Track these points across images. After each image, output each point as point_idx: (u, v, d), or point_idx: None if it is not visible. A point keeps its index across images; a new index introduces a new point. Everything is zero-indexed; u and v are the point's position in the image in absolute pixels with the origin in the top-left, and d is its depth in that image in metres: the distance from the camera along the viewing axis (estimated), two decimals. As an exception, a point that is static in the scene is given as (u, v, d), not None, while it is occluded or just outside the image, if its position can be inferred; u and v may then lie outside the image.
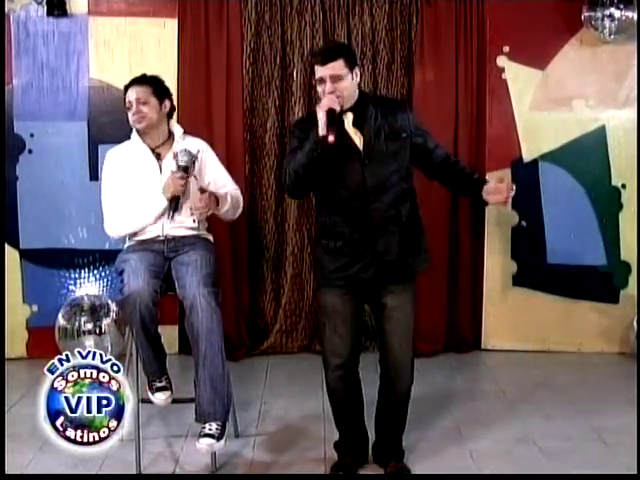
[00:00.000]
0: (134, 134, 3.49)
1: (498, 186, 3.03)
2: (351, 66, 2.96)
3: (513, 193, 3.03)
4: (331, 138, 2.80)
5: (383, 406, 3.20)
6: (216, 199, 3.36)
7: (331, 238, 3.02)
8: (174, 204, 3.34)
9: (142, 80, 3.49)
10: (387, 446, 3.22)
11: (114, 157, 3.51)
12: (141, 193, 3.39)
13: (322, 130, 2.83)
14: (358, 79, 3.01)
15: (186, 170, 3.32)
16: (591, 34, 4.59)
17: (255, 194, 4.81)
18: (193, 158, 3.33)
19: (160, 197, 3.34)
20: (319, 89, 2.97)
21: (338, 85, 2.91)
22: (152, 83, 3.48)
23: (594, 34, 4.58)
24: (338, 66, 2.92)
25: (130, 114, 3.42)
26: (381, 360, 3.14)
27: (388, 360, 3.09)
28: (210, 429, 3.10)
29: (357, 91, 3.03)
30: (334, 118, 2.84)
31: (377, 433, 3.26)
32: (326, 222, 3.04)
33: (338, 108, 2.89)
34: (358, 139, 2.97)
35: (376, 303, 3.09)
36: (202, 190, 3.34)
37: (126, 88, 3.48)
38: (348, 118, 2.98)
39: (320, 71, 2.94)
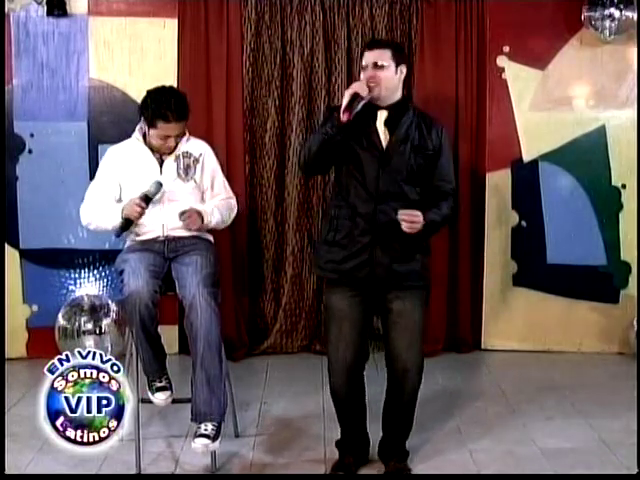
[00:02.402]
0: (137, 134, 3.46)
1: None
2: (397, 61, 2.98)
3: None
4: (344, 117, 2.82)
5: (389, 407, 3.20)
6: (201, 216, 3.38)
7: (332, 229, 3.03)
8: (125, 225, 3.35)
9: (183, 117, 3.32)
10: (391, 445, 3.22)
11: (115, 154, 3.50)
12: (138, 192, 3.38)
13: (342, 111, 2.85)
14: (402, 77, 3.01)
15: (148, 200, 3.32)
16: (591, 34, 4.59)
17: (255, 194, 4.80)
18: (160, 188, 3.33)
19: (119, 211, 3.35)
20: (362, 76, 2.98)
21: (379, 73, 2.93)
22: (187, 116, 3.37)
23: (594, 34, 4.57)
24: (383, 54, 2.96)
25: (162, 142, 3.34)
26: (387, 364, 3.12)
27: (395, 365, 3.08)
28: (206, 429, 3.10)
29: (400, 92, 3.03)
30: (354, 101, 2.85)
31: (384, 431, 3.25)
32: (333, 213, 3.05)
33: (365, 95, 2.87)
34: (385, 139, 2.97)
35: (383, 308, 3.08)
36: (190, 209, 3.36)
37: (164, 119, 3.27)
38: (382, 116, 2.97)
39: (365, 57, 2.98)
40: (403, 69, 3.01)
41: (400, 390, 3.11)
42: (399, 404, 3.15)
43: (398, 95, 3.02)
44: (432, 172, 3.05)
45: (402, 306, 3.03)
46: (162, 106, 3.28)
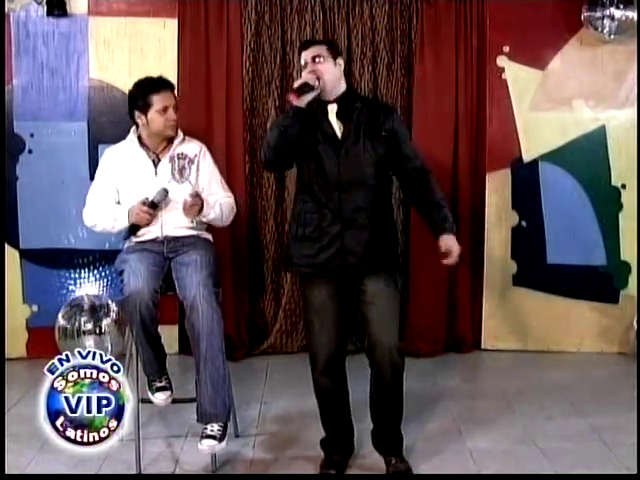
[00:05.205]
0: (132, 136, 3.48)
1: (445, 253, 3.08)
2: (334, 54, 3.07)
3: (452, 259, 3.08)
4: (292, 98, 2.91)
5: (375, 396, 3.18)
6: (202, 204, 3.36)
7: (300, 225, 3.06)
8: (132, 229, 3.38)
9: (171, 86, 3.48)
10: (384, 436, 3.21)
11: (112, 155, 3.52)
12: (133, 194, 3.40)
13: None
14: (342, 68, 3.09)
15: (154, 207, 3.35)
16: (591, 34, 4.59)
17: (255, 194, 4.80)
18: (166, 195, 3.36)
19: (125, 215, 3.37)
20: (303, 75, 3.02)
21: (319, 66, 3.01)
22: (173, 85, 3.52)
23: (594, 34, 4.57)
24: (320, 49, 3.05)
25: (164, 118, 3.39)
26: (368, 349, 3.11)
27: (375, 348, 3.06)
28: (212, 430, 3.11)
29: (344, 84, 3.10)
30: (303, 88, 2.92)
31: (375, 422, 3.23)
32: (298, 209, 3.09)
33: (314, 84, 2.95)
34: (339, 130, 3.03)
35: (356, 291, 3.09)
36: (195, 194, 3.35)
37: (155, 90, 3.40)
38: (332, 109, 3.04)
39: (303, 55, 3.06)
40: (340, 62, 3.09)
41: (382, 374, 3.08)
42: (384, 390, 3.11)
43: (343, 87, 3.09)
44: (395, 157, 3.09)
45: (375, 287, 3.05)
46: (148, 84, 3.44)
